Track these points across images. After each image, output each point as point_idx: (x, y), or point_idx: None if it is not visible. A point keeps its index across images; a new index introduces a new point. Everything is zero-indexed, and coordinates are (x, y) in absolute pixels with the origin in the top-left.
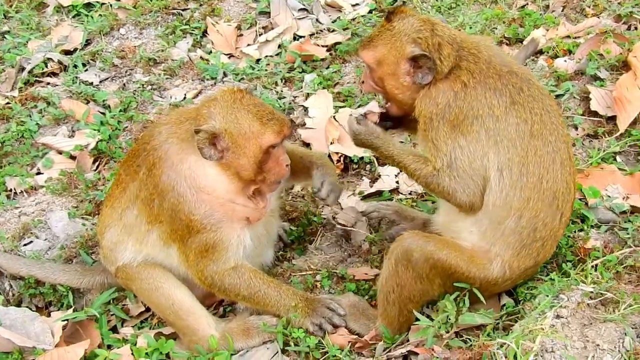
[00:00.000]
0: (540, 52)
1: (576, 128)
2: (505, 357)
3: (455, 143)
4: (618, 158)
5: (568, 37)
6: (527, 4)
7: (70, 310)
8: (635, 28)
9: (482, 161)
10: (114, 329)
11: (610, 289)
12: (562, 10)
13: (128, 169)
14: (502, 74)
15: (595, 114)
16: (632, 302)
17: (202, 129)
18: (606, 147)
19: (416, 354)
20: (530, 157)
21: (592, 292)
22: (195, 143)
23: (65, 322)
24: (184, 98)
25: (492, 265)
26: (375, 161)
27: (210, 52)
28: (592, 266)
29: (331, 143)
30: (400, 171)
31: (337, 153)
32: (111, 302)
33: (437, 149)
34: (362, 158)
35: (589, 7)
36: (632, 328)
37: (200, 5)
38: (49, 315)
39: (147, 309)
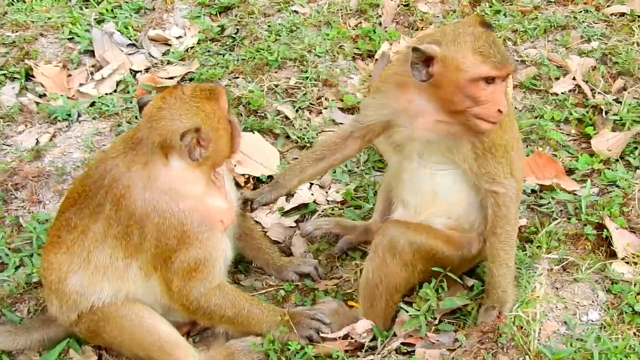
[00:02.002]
0: None
1: None
2: (516, 326)
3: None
4: None
5: None
6: (361, 22)
7: None
8: None
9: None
10: None
11: (567, 254)
12: (395, 26)
13: (81, 212)
14: None
15: None
16: (590, 264)
17: (189, 128)
18: None
19: (410, 344)
20: (516, 132)
21: (557, 259)
22: (179, 150)
23: None
24: (37, 142)
25: (472, 242)
26: None
27: (44, 94)
28: (542, 238)
29: (234, 166)
30: None
31: (243, 175)
32: None
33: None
34: (270, 177)
35: (419, 20)
36: (597, 284)
37: (11, 49)
38: None
39: (99, 358)
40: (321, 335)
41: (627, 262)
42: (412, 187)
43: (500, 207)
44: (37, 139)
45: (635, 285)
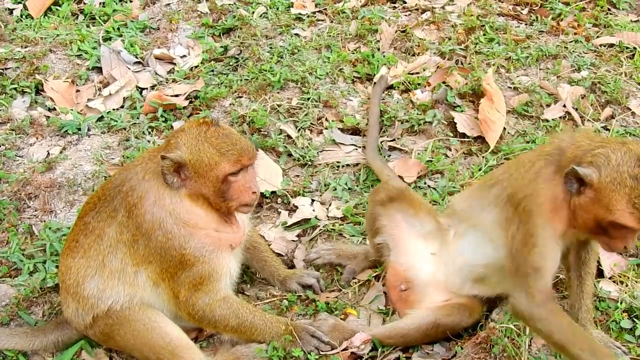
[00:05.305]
0: (391, 87)
1: (450, 149)
2: (507, 338)
3: None
4: None
5: (412, 73)
6: (360, 46)
7: None
8: (462, 63)
9: None
10: None
11: (557, 272)
12: (392, 51)
13: (99, 216)
14: None
15: (463, 135)
16: None
17: (169, 156)
18: (484, 162)
19: (408, 356)
20: None
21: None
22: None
23: None
24: (48, 155)
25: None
26: (288, 194)
27: (54, 108)
28: None
29: None
30: None
31: None
32: None
33: None
34: (274, 192)
35: (416, 46)
36: None
37: (22, 64)
38: None
39: None
40: (321, 353)
41: (614, 281)
42: None
43: None
44: (47, 151)
45: (621, 303)
